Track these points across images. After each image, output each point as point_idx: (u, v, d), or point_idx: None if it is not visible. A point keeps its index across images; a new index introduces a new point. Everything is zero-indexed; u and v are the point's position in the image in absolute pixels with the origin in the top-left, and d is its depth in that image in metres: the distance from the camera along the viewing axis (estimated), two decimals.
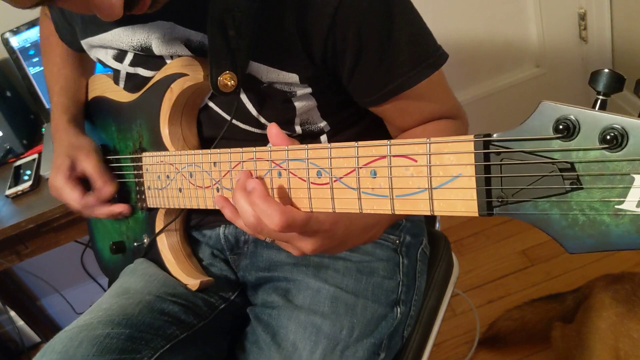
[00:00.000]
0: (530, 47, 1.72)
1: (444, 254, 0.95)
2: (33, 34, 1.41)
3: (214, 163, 0.64)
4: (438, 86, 0.72)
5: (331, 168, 0.51)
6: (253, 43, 0.65)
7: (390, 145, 0.46)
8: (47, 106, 1.45)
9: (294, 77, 0.68)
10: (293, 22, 0.64)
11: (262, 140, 0.75)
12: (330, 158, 0.51)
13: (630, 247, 0.34)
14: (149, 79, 0.79)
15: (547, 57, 1.72)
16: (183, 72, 0.72)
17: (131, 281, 0.80)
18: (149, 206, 0.81)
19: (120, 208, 0.85)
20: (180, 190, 0.72)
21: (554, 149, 0.37)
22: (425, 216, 0.96)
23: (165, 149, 0.77)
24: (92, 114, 0.94)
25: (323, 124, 0.77)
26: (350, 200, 0.50)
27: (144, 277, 0.80)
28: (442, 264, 0.94)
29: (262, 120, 0.73)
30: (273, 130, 0.55)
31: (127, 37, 0.74)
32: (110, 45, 0.78)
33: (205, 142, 0.79)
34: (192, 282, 0.79)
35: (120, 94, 0.85)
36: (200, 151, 0.67)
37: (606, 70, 0.36)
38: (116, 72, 0.84)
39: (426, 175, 0.44)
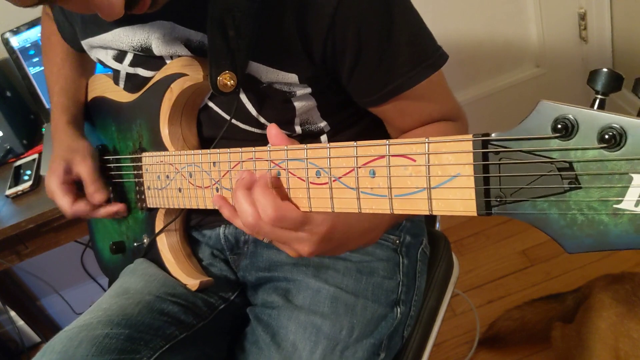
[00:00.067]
0: (530, 47, 1.72)
1: (444, 254, 0.95)
2: (33, 34, 1.41)
3: (214, 163, 0.64)
4: (438, 87, 0.72)
5: (330, 168, 0.51)
6: (253, 43, 0.65)
7: (389, 145, 0.46)
8: (47, 106, 1.45)
9: (293, 77, 0.68)
10: (293, 22, 0.64)
11: (262, 140, 0.75)
12: (329, 158, 0.51)
13: (628, 246, 0.34)
14: (148, 79, 0.79)
15: (547, 57, 1.72)
16: (183, 72, 0.72)
17: (131, 281, 0.80)
18: (148, 206, 0.81)
19: (116, 207, 0.85)
20: (180, 190, 0.72)
21: (553, 148, 0.37)
22: (425, 216, 0.96)
23: (165, 149, 0.77)
24: (92, 114, 0.95)
25: (323, 124, 0.77)
26: (349, 200, 0.50)
27: (144, 277, 0.80)
28: (442, 264, 0.94)
29: (262, 120, 0.73)
30: (273, 131, 0.55)
31: (127, 37, 0.74)
32: (110, 45, 0.78)
33: (205, 142, 0.79)
34: (192, 282, 0.79)
35: (120, 94, 0.85)
36: (199, 151, 0.67)
37: (604, 70, 0.36)
38: (116, 73, 0.84)
39: (425, 174, 0.44)
